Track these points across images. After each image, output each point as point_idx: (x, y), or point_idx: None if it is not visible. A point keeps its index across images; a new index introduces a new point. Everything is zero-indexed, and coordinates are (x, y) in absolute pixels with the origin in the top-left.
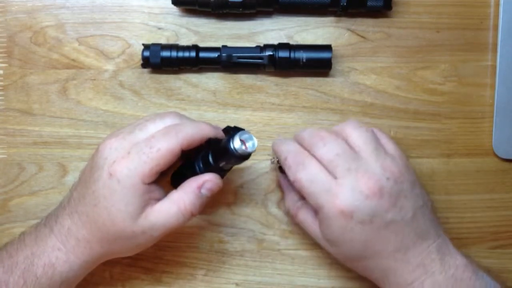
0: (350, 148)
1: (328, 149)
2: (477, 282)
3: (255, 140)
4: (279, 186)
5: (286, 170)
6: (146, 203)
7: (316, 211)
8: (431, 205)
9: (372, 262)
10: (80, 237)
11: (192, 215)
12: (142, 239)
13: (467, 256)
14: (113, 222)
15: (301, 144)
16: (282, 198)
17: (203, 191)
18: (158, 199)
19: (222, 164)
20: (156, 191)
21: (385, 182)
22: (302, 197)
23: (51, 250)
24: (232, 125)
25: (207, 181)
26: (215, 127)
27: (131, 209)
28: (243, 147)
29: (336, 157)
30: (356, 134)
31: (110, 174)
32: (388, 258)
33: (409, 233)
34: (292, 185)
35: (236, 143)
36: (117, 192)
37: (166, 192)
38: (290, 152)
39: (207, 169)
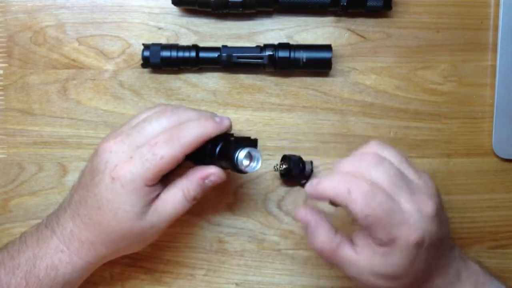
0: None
1: (386, 169)
2: (492, 286)
3: (260, 163)
4: (298, 216)
5: (352, 205)
6: (151, 200)
7: (376, 244)
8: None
9: (424, 284)
10: (84, 239)
11: (195, 200)
12: (150, 233)
13: (475, 259)
14: (119, 223)
15: (349, 172)
16: (283, 201)
17: (207, 181)
18: (160, 192)
19: (223, 164)
20: (158, 188)
21: (436, 200)
22: (335, 231)
23: (53, 252)
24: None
25: (212, 174)
26: (220, 121)
27: (137, 209)
28: (246, 162)
29: (396, 178)
30: (389, 154)
31: (113, 178)
32: (437, 277)
33: (447, 245)
34: (322, 220)
35: (241, 155)
36: (121, 195)
37: (166, 182)
38: (352, 183)
39: (212, 159)
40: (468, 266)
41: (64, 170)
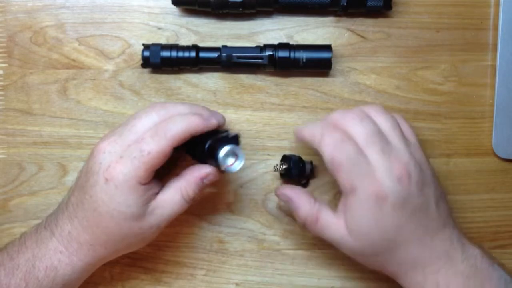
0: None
1: (365, 125)
2: (494, 273)
3: (242, 163)
4: (279, 195)
5: (323, 148)
6: (148, 200)
7: (345, 198)
8: (445, 197)
9: (402, 251)
10: (82, 241)
11: (194, 200)
12: (148, 233)
13: (481, 246)
14: (117, 224)
15: (332, 123)
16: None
17: (205, 181)
18: (157, 192)
19: (209, 162)
20: (154, 186)
21: (413, 169)
22: (315, 200)
23: (53, 253)
24: (232, 125)
25: (210, 174)
26: (207, 117)
27: (134, 209)
28: (231, 161)
29: (373, 135)
30: (382, 119)
31: (106, 179)
32: (417, 246)
33: (433, 219)
34: (301, 193)
35: (222, 152)
36: (116, 196)
37: (163, 181)
38: (327, 130)
39: (204, 157)
40: (466, 249)
41: (64, 170)
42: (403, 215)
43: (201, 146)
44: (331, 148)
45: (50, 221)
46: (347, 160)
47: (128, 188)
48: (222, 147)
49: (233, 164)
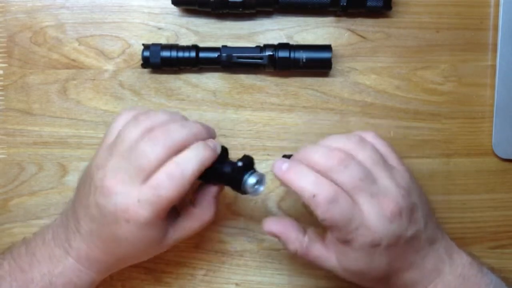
0: (368, 170)
1: (351, 173)
2: (482, 279)
3: (264, 186)
4: (267, 232)
5: (315, 208)
6: (168, 228)
7: (335, 242)
8: (429, 206)
9: (394, 279)
10: (103, 261)
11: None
12: (165, 249)
13: (470, 253)
14: (140, 251)
15: (315, 166)
16: (283, 201)
17: (217, 197)
18: (175, 215)
19: (233, 187)
20: (173, 212)
21: (402, 201)
22: (303, 231)
23: (71, 271)
24: (232, 125)
25: (218, 189)
26: (214, 147)
27: (156, 240)
28: (257, 187)
29: (360, 183)
30: (363, 153)
31: (127, 221)
32: (409, 271)
33: (424, 241)
34: (288, 226)
35: (251, 181)
36: (139, 234)
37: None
38: (319, 188)
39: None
40: (454, 259)
41: (64, 170)
42: (396, 250)
43: (217, 174)
44: (324, 209)
45: (59, 238)
46: (340, 219)
47: (150, 226)
48: (249, 176)
49: (258, 189)
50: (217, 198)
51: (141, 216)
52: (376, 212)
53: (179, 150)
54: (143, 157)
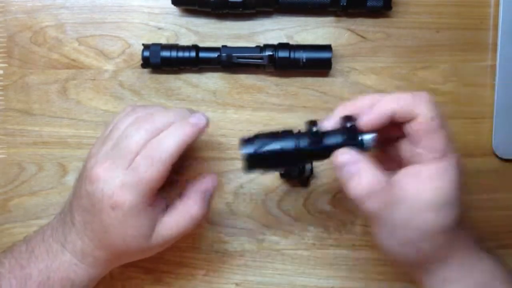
0: None
1: (429, 105)
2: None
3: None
4: (339, 164)
5: (418, 107)
6: (156, 219)
7: (430, 160)
8: None
9: (461, 230)
10: (96, 255)
11: (204, 216)
12: (159, 249)
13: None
14: (128, 245)
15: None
16: (283, 201)
17: (207, 194)
18: (164, 209)
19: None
20: (160, 203)
21: None
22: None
23: (68, 265)
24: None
25: (208, 186)
26: (196, 121)
27: (144, 231)
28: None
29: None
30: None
31: (113, 207)
32: (466, 227)
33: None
34: (364, 159)
35: (368, 137)
36: (125, 222)
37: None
38: (411, 92)
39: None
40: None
41: (64, 170)
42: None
43: (318, 149)
44: (431, 105)
45: (56, 233)
46: (443, 120)
47: (136, 213)
48: (363, 134)
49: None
50: (206, 193)
51: (126, 200)
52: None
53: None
54: (127, 142)
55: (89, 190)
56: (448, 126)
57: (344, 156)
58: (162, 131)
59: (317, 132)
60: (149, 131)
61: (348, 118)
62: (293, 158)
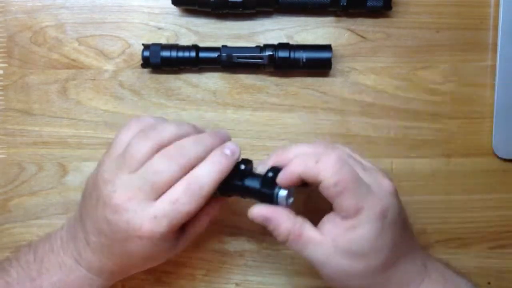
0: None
1: (338, 152)
2: (461, 280)
3: (292, 196)
4: (255, 217)
5: (321, 173)
6: (178, 234)
7: (339, 220)
8: None
9: (392, 270)
10: (115, 271)
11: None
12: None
13: (438, 259)
14: (151, 263)
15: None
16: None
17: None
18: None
19: (261, 200)
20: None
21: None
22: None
23: (83, 280)
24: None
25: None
26: (231, 153)
27: (168, 249)
28: (289, 200)
29: (349, 159)
30: (337, 151)
31: (141, 238)
32: (405, 262)
33: (412, 233)
34: (278, 210)
35: (283, 193)
36: (153, 248)
37: None
38: (318, 155)
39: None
40: (431, 259)
41: (64, 170)
42: (397, 230)
43: (242, 188)
44: (332, 171)
45: (68, 247)
46: (352, 180)
47: (164, 241)
48: (279, 189)
49: (289, 201)
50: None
51: (157, 233)
52: (376, 184)
53: (193, 166)
54: (158, 175)
55: (110, 218)
56: (362, 181)
57: (257, 211)
58: (194, 164)
59: (244, 170)
60: (181, 165)
61: (272, 169)
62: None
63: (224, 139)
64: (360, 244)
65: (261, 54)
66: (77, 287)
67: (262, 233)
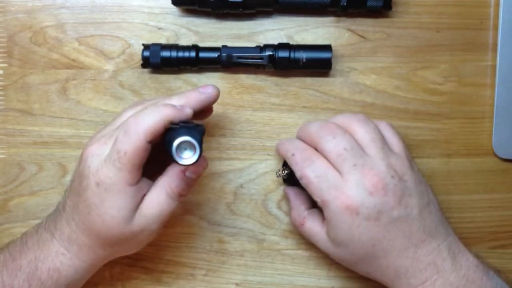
0: (357, 144)
1: (337, 142)
2: (488, 283)
3: (197, 156)
4: (286, 198)
5: (293, 166)
6: (138, 201)
7: (323, 211)
8: (437, 204)
9: (383, 261)
10: (81, 243)
11: (181, 196)
12: (142, 236)
13: (477, 255)
14: (108, 228)
15: (308, 136)
16: (283, 200)
17: (188, 174)
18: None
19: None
20: (144, 186)
21: (390, 180)
22: (309, 207)
23: (54, 255)
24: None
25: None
26: (181, 108)
27: (124, 213)
28: (184, 154)
29: (344, 152)
30: (363, 131)
31: (97, 183)
32: (399, 257)
33: (417, 230)
34: (298, 196)
35: (175, 143)
36: (107, 200)
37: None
38: (298, 148)
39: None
40: (458, 259)
41: (64, 170)
42: (378, 226)
43: (169, 134)
44: (299, 166)
45: (49, 223)
46: (315, 178)
47: (117, 191)
48: (176, 139)
49: (189, 158)
50: (184, 173)
51: (107, 176)
52: (355, 180)
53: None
54: (118, 122)
55: (79, 167)
56: (327, 176)
57: (287, 189)
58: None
59: (176, 124)
60: (136, 110)
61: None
62: None
63: (185, 108)
64: (335, 233)
65: (261, 54)
66: (50, 264)
67: (262, 233)
